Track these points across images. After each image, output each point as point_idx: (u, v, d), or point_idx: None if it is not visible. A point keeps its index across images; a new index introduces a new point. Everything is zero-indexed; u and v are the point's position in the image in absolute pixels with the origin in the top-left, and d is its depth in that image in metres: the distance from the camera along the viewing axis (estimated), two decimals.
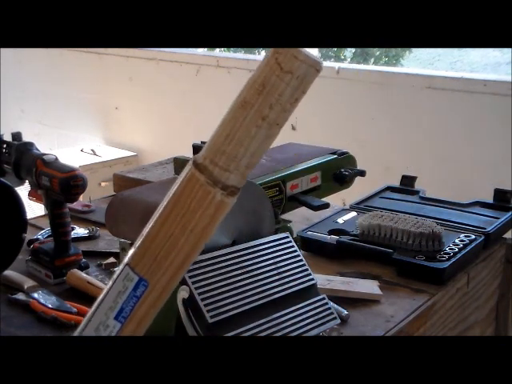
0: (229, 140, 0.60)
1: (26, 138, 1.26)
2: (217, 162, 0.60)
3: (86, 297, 1.11)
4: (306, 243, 1.27)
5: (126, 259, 0.63)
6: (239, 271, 0.86)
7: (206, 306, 0.80)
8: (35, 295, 1.11)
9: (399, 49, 3.99)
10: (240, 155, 0.60)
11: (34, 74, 4.10)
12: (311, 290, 0.92)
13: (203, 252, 0.85)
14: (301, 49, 0.57)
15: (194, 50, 3.28)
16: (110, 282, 0.63)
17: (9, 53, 3.98)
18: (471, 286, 1.22)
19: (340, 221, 1.36)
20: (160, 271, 0.61)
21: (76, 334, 0.66)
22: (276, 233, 0.95)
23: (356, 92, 2.69)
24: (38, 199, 1.22)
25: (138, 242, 0.63)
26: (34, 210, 1.89)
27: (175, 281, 0.62)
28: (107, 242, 1.34)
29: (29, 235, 1.23)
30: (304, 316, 0.88)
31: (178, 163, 1.07)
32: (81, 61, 3.74)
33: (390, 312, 1.07)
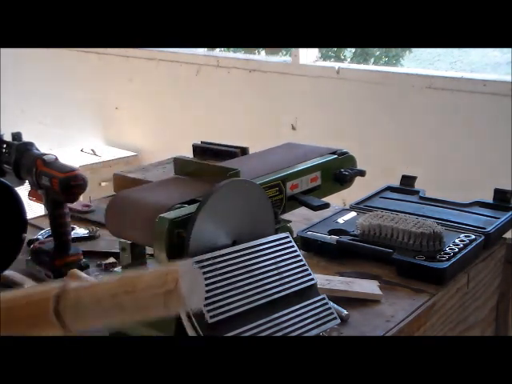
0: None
1: (25, 138, 1.25)
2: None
3: None
4: (306, 243, 1.27)
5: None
6: (239, 271, 0.86)
7: (206, 306, 0.80)
8: None
9: (399, 49, 3.99)
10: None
11: (34, 74, 4.10)
12: (311, 290, 0.92)
13: (203, 252, 0.85)
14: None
15: (194, 50, 3.27)
16: None
17: (9, 53, 3.98)
18: (471, 286, 1.22)
19: (340, 221, 1.36)
20: None
21: None
22: (276, 233, 0.95)
23: (356, 92, 2.68)
24: (38, 199, 1.22)
25: None
26: (34, 210, 1.88)
27: None
28: (107, 242, 1.34)
29: (29, 235, 1.23)
30: (304, 316, 0.88)
31: (178, 163, 1.07)
32: (81, 61, 3.74)
33: (390, 312, 1.07)
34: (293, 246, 0.94)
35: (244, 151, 1.38)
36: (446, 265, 1.15)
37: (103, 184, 3.25)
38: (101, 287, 0.59)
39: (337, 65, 2.75)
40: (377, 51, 4.10)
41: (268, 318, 0.84)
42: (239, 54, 3.26)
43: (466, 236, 1.26)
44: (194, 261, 0.83)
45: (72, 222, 1.25)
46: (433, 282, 1.15)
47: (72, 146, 3.74)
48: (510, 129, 2.23)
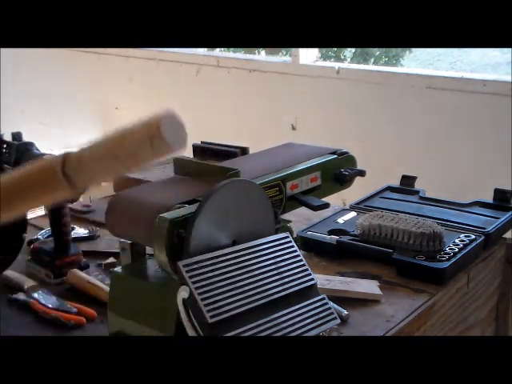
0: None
1: (25, 138, 1.25)
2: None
3: (86, 297, 1.11)
4: (306, 243, 1.27)
5: None
6: (239, 271, 0.86)
7: (205, 305, 0.80)
8: (35, 295, 1.11)
9: (399, 49, 4.00)
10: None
11: (34, 74, 4.10)
12: (311, 290, 0.92)
13: (203, 252, 0.85)
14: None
15: (194, 50, 3.27)
16: None
17: (9, 53, 3.98)
18: (471, 286, 1.22)
19: (340, 221, 1.36)
20: None
21: None
22: (276, 233, 0.95)
23: (356, 92, 2.69)
24: None
25: None
26: (34, 210, 1.88)
27: None
28: (107, 242, 1.34)
29: (29, 235, 1.23)
30: (304, 316, 0.88)
31: (178, 163, 1.07)
32: (81, 61, 3.74)
33: (390, 312, 1.07)
34: (293, 246, 0.94)
35: (244, 151, 1.38)
36: (446, 265, 1.15)
37: (103, 184, 3.25)
38: (97, 146, 0.70)
39: (337, 65, 2.75)
40: (377, 51, 4.11)
41: (268, 318, 0.84)
42: (239, 54, 3.26)
43: (466, 236, 1.26)
44: (194, 261, 0.83)
45: (72, 221, 1.25)
46: (433, 282, 1.15)
47: (72, 146, 3.73)
48: (510, 129, 2.23)
